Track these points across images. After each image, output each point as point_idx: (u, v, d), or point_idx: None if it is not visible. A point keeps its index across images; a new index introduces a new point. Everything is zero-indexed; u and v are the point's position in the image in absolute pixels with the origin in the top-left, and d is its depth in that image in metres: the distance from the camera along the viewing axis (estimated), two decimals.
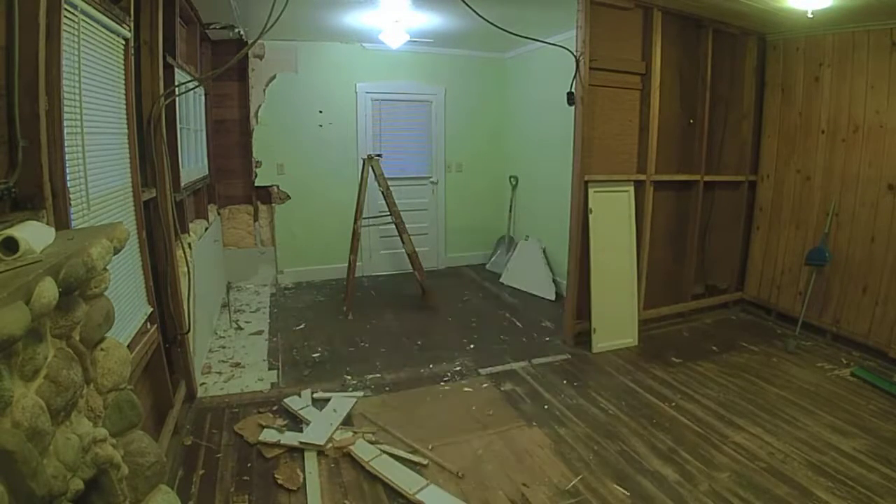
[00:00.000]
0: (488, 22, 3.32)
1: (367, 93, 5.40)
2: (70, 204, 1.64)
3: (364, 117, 5.42)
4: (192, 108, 3.84)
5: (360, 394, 3.09)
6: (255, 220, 5.27)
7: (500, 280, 5.38)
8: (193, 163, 3.86)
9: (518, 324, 4.29)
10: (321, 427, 2.64)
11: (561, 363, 3.54)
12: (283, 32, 4.55)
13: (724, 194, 4.35)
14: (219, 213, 5.00)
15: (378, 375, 3.34)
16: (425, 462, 2.41)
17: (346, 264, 5.60)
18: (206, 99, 4.53)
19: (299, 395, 3.02)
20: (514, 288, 5.23)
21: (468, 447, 2.56)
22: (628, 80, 3.72)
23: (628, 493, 2.23)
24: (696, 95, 4.03)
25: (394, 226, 4.63)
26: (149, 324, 2.43)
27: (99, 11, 1.92)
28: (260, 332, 4.07)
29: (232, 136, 5.07)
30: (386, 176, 4.60)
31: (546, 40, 3.88)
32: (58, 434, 1.13)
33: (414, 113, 5.69)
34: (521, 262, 5.28)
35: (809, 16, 3.12)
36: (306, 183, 5.31)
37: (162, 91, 2.60)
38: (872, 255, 3.54)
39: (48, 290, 1.04)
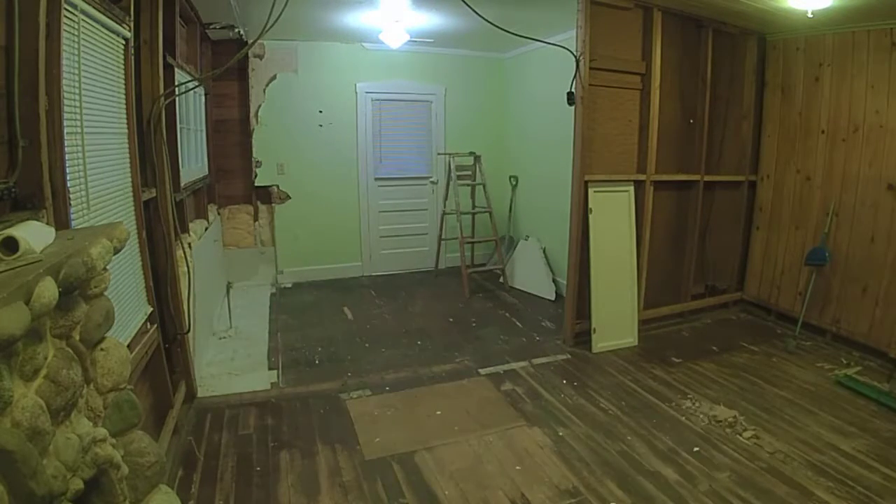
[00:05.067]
0: (488, 22, 3.32)
1: (367, 93, 5.40)
2: (70, 204, 1.64)
3: (364, 117, 5.42)
4: (192, 108, 3.84)
5: (360, 393, 3.09)
6: (255, 220, 5.27)
7: (500, 280, 5.38)
8: (193, 163, 3.86)
9: (518, 324, 4.29)
10: None
11: (561, 363, 3.54)
12: (283, 32, 4.55)
13: (724, 194, 4.34)
14: (219, 213, 5.00)
15: (378, 375, 3.34)
16: None
17: (348, 264, 5.64)
18: (206, 99, 4.52)
19: None
20: (514, 288, 5.23)
21: (468, 447, 2.56)
22: (628, 80, 3.72)
23: (628, 494, 2.23)
24: (696, 95, 4.02)
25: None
26: (149, 324, 2.43)
27: (99, 11, 1.92)
28: (260, 333, 4.06)
29: (232, 136, 5.07)
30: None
31: (546, 40, 3.87)
32: (58, 434, 1.13)
33: (414, 113, 5.69)
34: (521, 262, 5.28)
35: (809, 16, 3.12)
36: (306, 183, 5.30)
37: (162, 91, 2.60)
38: (872, 255, 3.53)
39: (48, 290, 1.04)
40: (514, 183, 5.81)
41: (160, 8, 2.56)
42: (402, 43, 4.30)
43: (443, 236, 5.57)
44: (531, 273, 5.12)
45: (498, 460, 2.46)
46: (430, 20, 4.23)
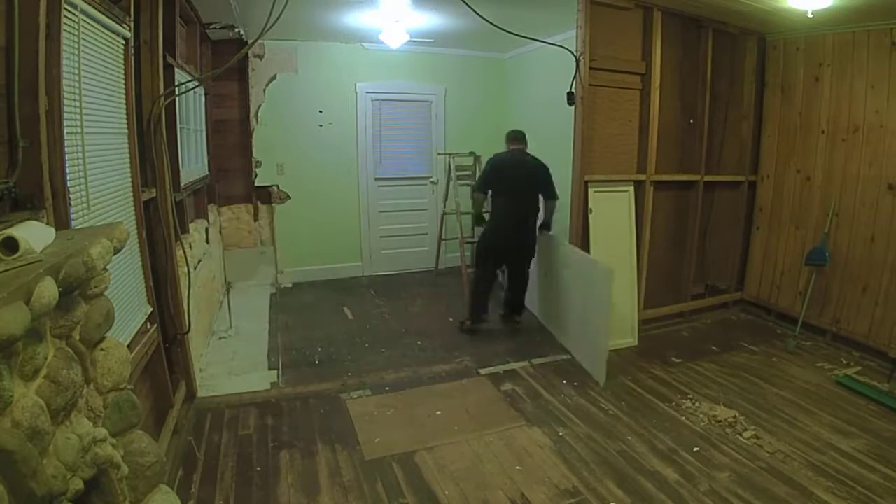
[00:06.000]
0: (488, 22, 3.32)
1: (367, 93, 5.39)
2: (70, 204, 1.64)
3: (364, 117, 5.42)
4: (192, 108, 3.84)
5: (360, 393, 3.10)
6: (256, 220, 5.27)
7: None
8: (193, 163, 3.86)
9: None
10: None
11: (561, 363, 3.54)
12: (283, 32, 4.55)
13: (724, 194, 4.34)
14: (219, 213, 5.00)
15: (378, 375, 3.34)
16: None
17: (348, 264, 5.63)
18: (206, 99, 4.52)
19: None
20: None
21: (468, 447, 2.56)
22: (628, 80, 3.72)
23: (628, 494, 2.23)
24: (696, 95, 4.02)
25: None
26: (149, 324, 2.43)
27: (99, 11, 1.92)
28: (260, 332, 4.06)
29: (232, 136, 5.06)
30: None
31: (546, 40, 3.88)
32: (58, 434, 1.13)
33: (414, 113, 5.68)
34: None
35: (809, 16, 3.12)
36: (306, 183, 5.30)
37: (162, 91, 2.60)
38: (872, 255, 3.53)
39: (48, 290, 1.04)
40: None
41: (160, 8, 2.56)
42: (402, 43, 4.30)
43: (443, 236, 5.57)
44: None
45: (498, 460, 2.46)
46: (430, 20, 4.23)
